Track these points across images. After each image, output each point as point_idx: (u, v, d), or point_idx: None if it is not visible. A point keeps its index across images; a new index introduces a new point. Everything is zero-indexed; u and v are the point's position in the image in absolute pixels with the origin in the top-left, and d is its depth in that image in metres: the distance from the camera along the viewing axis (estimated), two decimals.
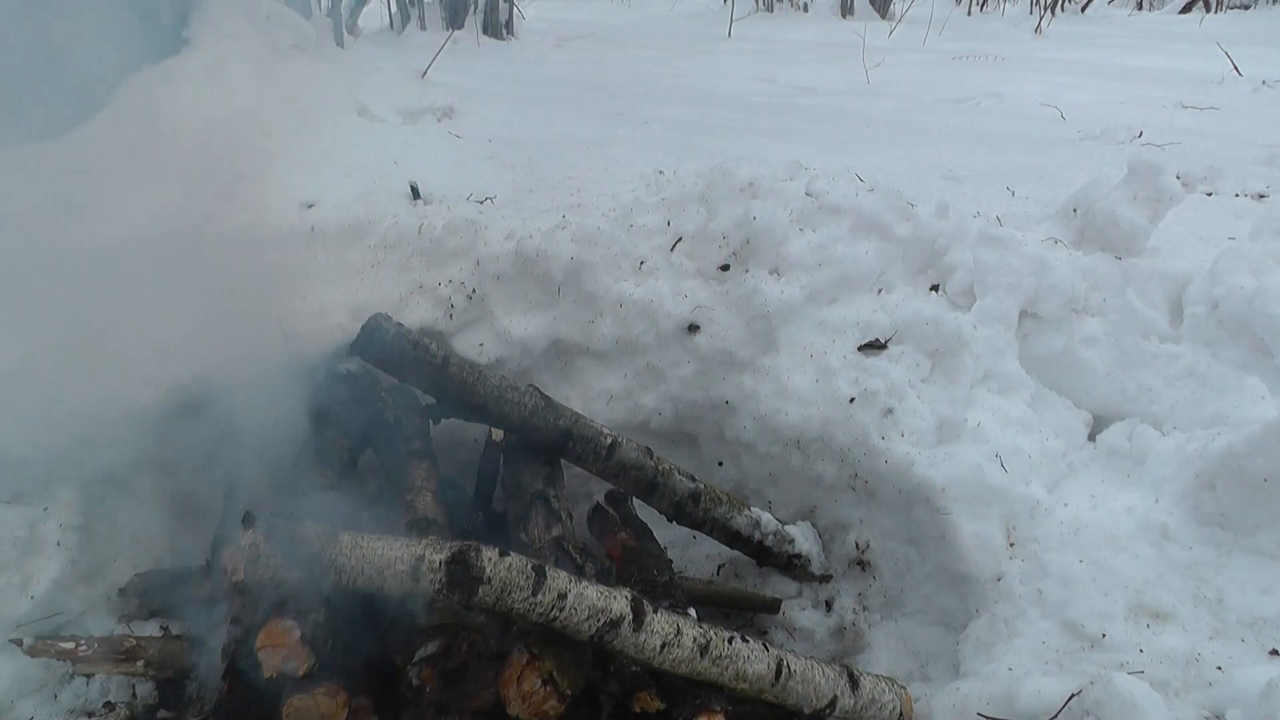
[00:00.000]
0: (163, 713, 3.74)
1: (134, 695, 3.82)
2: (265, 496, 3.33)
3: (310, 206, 4.74)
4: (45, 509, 3.90)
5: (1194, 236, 5.44)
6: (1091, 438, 4.64)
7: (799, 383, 4.47)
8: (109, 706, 3.70)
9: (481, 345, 4.48)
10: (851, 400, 4.40)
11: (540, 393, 4.07)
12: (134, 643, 3.71)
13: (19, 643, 3.54)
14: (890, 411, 4.37)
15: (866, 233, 4.80)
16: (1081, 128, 8.50)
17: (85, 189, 4.18)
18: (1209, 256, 4.94)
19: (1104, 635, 3.71)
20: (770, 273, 4.63)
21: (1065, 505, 4.20)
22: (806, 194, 4.91)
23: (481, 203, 5.11)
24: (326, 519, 3.20)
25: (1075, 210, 5.17)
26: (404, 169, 5.30)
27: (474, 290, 4.56)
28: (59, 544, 3.88)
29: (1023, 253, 4.82)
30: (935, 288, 4.89)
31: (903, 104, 9.86)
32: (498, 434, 4.35)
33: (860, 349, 4.58)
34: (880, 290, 4.75)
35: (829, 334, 4.56)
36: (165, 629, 4.02)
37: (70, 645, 3.58)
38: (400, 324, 3.96)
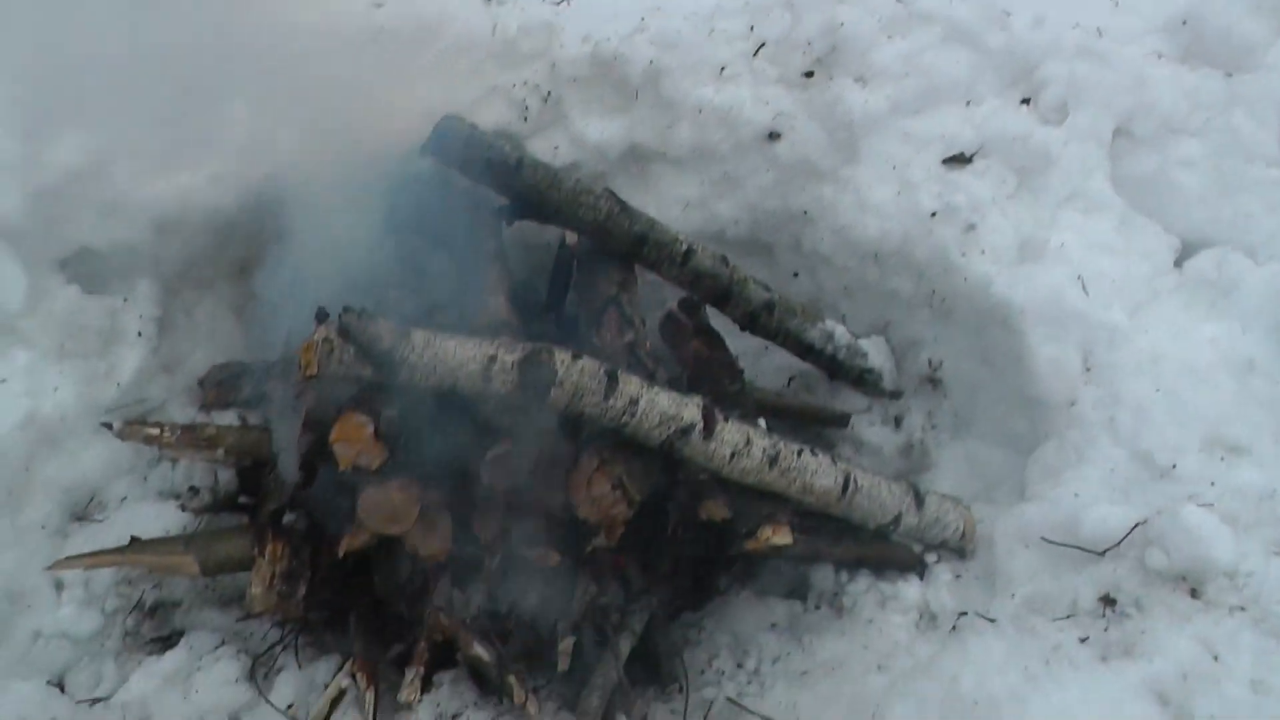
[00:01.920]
0: (243, 499, 3.86)
1: (216, 481, 3.95)
2: (338, 294, 3.34)
3: (379, 6, 4.61)
4: (125, 300, 3.97)
5: None
6: (1178, 264, 4.49)
7: (880, 195, 4.36)
8: (193, 490, 3.82)
9: (556, 148, 4.41)
10: (933, 215, 4.30)
11: (616, 197, 4.00)
12: (214, 431, 3.81)
13: (109, 426, 3.66)
14: (972, 228, 4.26)
15: (957, 42, 4.61)
16: None
17: None
18: None
19: (1175, 466, 3.67)
20: (855, 81, 4.47)
21: (1145, 333, 4.10)
22: (896, 0, 4.70)
23: (557, 4, 4.94)
24: (399, 318, 3.21)
25: (1185, 22, 4.89)
26: None
27: (549, 93, 4.46)
28: (139, 334, 3.96)
29: (1122, 67, 4.61)
30: (1026, 101, 4.69)
31: None
32: (572, 238, 4.31)
33: (944, 163, 4.44)
34: (969, 103, 4.58)
35: (913, 146, 4.43)
36: (244, 419, 4.13)
37: (155, 431, 3.69)
38: (474, 125, 3.89)
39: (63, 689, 3.39)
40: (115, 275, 3.99)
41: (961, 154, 4.45)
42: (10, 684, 3.22)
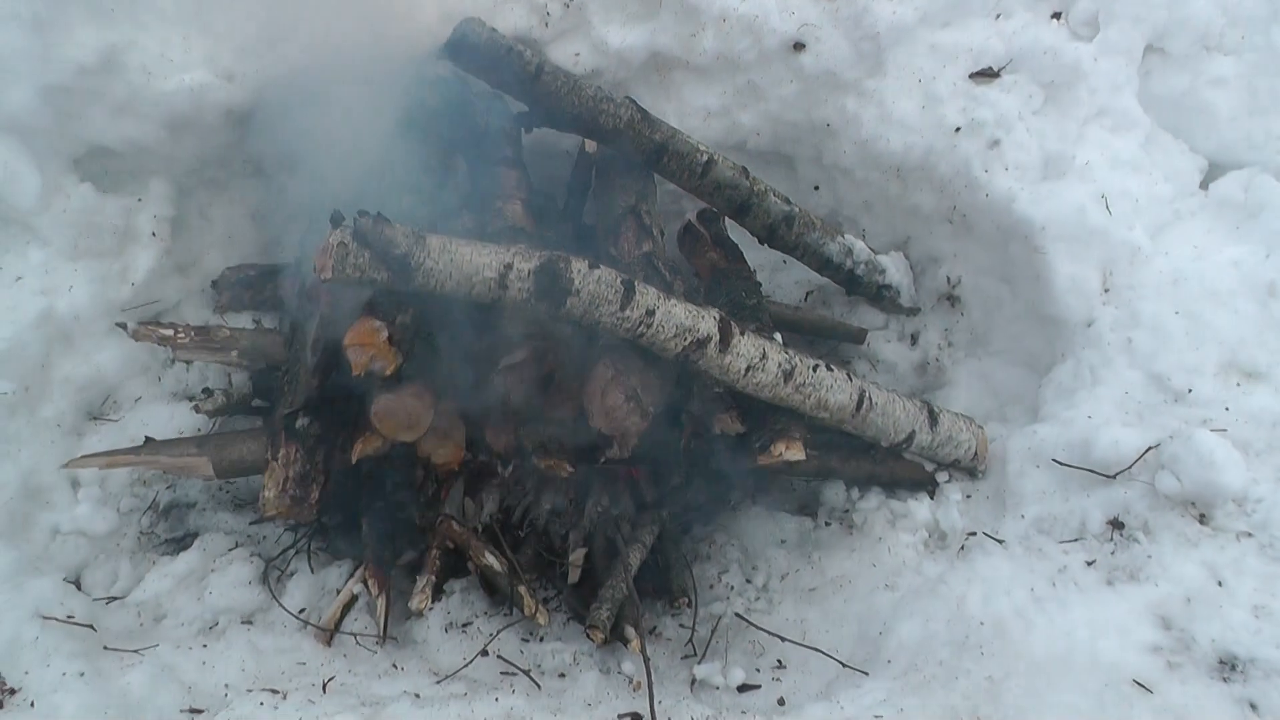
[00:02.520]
0: (256, 402, 3.87)
1: (230, 383, 3.96)
2: (353, 197, 3.31)
3: None
4: (139, 199, 3.94)
5: None
6: (1204, 185, 4.44)
7: (904, 108, 4.29)
8: (207, 392, 3.84)
9: (577, 55, 4.32)
10: (958, 130, 4.23)
11: (637, 105, 3.94)
12: (228, 334, 3.82)
13: (124, 326, 3.66)
14: (997, 143, 4.20)
15: None
16: None
17: None
18: None
19: (1190, 390, 3.66)
20: None
21: (1167, 254, 4.07)
22: None
23: None
24: (415, 222, 3.18)
25: None
26: None
27: None
28: (153, 234, 3.94)
29: None
30: (1057, 15, 4.58)
31: None
32: (591, 145, 4.26)
33: (971, 77, 4.36)
34: (998, 15, 4.47)
35: (940, 59, 4.34)
36: (258, 322, 4.13)
37: (169, 332, 3.70)
38: (493, 29, 3.82)
39: (79, 586, 3.44)
40: (129, 174, 3.95)
41: (989, 68, 4.36)
42: (29, 579, 3.25)
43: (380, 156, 3.81)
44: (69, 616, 3.18)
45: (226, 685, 3.10)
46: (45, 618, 3.13)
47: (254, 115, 3.99)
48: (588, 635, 3.37)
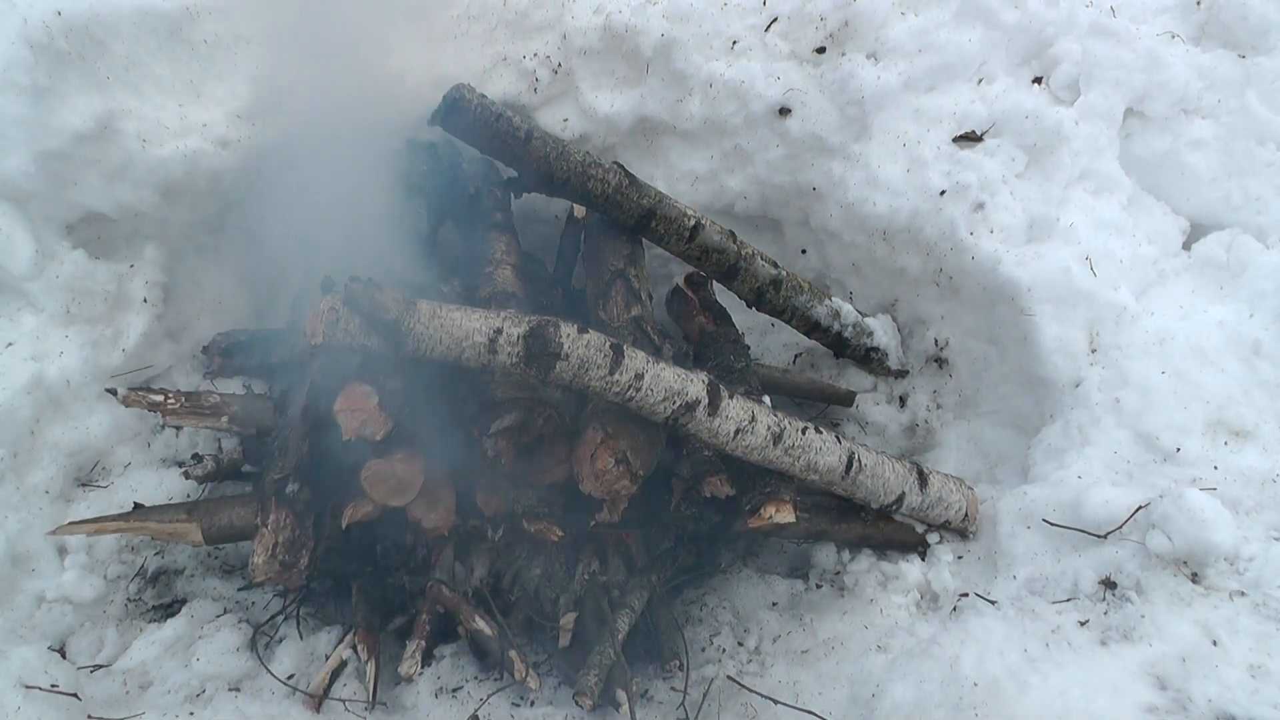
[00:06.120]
0: (246, 467, 3.86)
1: (220, 449, 3.95)
2: (344, 262, 3.32)
3: None
4: (131, 265, 3.96)
5: None
6: (1187, 246, 4.48)
7: (889, 172, 4.34)
8: (196, 458, 3.82)
9: (566, 121, 4.38)
10: (942, 193, 4.28)
11: (625, 170, 3.98)
12: (218, 399, 3.81)
13: (114, 392, 3.66)
14: (981, 206, 4.25)
15: (971, 19, 4.57)
16: None
17: None
18: None
19: (1179, 449, 3.67)
20: (868, 57, 4.44)
21: (1152, 314, 4.09)
22: None
23: None
24: (405, 287, 3.19)
25: (1199, 2, 4.85)
26: None
27: (560, 64, 4.42)
28: (145, 300, 3.96)
29: (1135, 46, 4.56)
30: (1038, 80, 4.66)
31: None
32: (580, 210, 4.29)
33: (955, 140, 4.41)
34: (981, 80, 4.55)
35: (924, 123, 4.40)
36: (248, 388, 4.13)
37: (159, 398, 3.69)
38: (483, 95, 3.86)
39: (64, 654, 3.40)
40: (122, 240, 3.98)
41: (972, 132, 4.42)
42: (13, 648, 3.23)
43: (371, 222, 3.84)
44: (53, 685, 3.15)
45: None
46: (28, 686, 3.09)
47: (247, 180, 4.03)
48: (576, 702, 3.34)
